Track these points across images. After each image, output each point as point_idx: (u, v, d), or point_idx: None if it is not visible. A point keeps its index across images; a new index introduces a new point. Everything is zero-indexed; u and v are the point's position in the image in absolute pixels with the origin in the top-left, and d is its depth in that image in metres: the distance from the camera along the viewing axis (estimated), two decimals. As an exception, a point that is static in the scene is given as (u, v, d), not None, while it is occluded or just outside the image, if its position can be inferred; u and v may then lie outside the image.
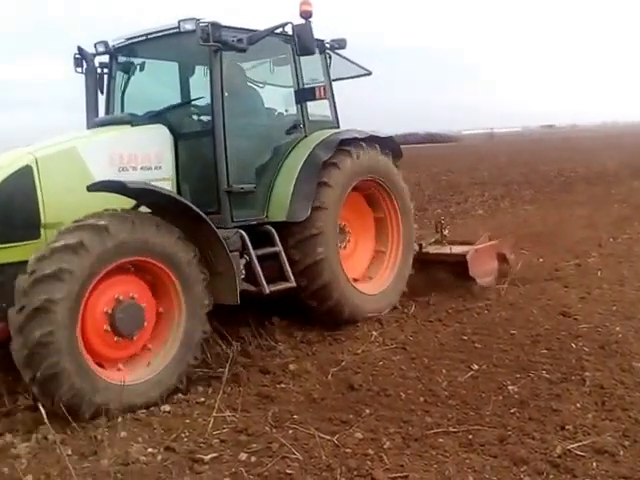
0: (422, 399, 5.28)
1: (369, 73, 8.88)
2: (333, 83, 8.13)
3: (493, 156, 41.13)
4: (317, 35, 7.24)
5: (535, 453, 4.33)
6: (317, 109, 7.86)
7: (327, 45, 8.08)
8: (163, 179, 6.49)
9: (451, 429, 4.73)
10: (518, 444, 4.46)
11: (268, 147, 7.31)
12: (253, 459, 4.37)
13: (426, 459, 4.31)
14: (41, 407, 4.53)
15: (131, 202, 5.90)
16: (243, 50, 6.54)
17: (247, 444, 4.58)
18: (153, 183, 6.09)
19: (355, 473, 4.16)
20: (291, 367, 6.13)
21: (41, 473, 4.28)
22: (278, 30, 6.97)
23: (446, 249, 9.12)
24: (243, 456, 4.40)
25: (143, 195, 5.82)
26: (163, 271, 5.55)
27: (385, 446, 4.48)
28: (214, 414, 5.00)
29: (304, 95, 7.56)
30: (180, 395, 5.54)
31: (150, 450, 4.53)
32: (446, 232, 9.62)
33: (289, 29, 7.01)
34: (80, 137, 6.36)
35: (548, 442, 4.46)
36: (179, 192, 6.59)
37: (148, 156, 6.46)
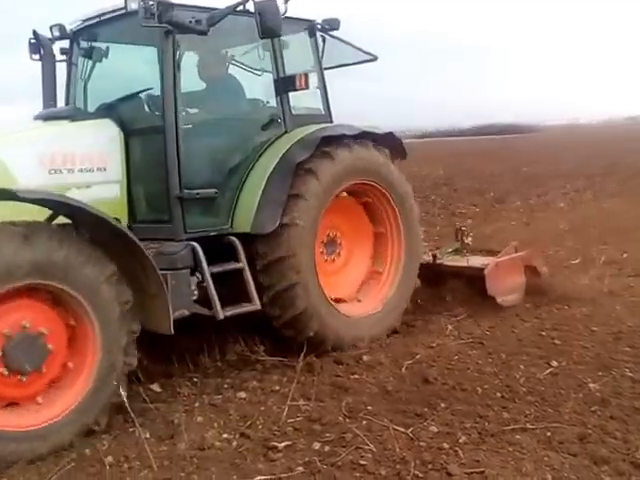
0: (499, 394, 5.18)
1: (375, 58, 7.88)
2: (326, 71, 7.11)
3: (576, 147, 39.97)
4: (307, 15, 6.71)
5: (617, 453, 4.20)
6: (307, 101, 6.95)
7: (318, 27, 7.08)
8: (108, 182, 5.69)
9: (529, 426, 4.62)
10: (599, 443, 4.33)
11: (238, 145, 6.35)
12: (327, 449, 4.38)
13: (503, 455, 4.22)
14: (122, 392, 4.63)
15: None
16: (203, 32, 5.60)
17: (321, 433, 4.60)
18: (95, 187, 5.53)
19: (430, 467, 4.11)
20: (365, 358, 6.12)
21: (121, 455, 4.39)
22: (241, 8, 5.84)
23: (463, 261, 8.01)
24: (317, 445, 4.42)
25: (43, 203, 4.86)
26: (67, 294, 4.56)
27: (460, 441, 4.42)
28: (288, 402, 5.02)
29: (284, 85, 6.51)
30: (255, 383, 5.60)
31: (225, 436, 4.60)
32: (469, 240, 8.51)
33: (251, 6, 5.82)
34: (4, 135, 5.49)
35: (630, 442, 4.32)
36: (129, 197, 5.84)
37: (89, 156, 5.58)
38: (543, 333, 6.66)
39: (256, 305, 5.82)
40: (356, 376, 5.70)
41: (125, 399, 4.57)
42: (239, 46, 6.91)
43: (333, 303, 6.46)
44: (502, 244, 8.57)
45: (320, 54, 7.07)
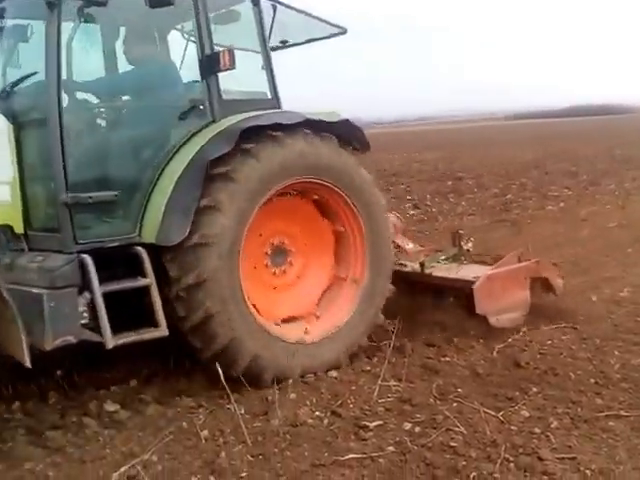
0: (592, 380, 5.09)
1: (344, 31, 7.10)
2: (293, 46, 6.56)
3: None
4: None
5: None
6: (252, 83, 5.99)
7: None
8: None
9: (623, 413, 4.54)
10: (696, 432, 4.21)
11: (151, 139, 5.40)
12: (417, 429, 4.42)
13: (595, 442, 4.17)
14: (218, 368, 4.79)
15: None
16: (101, 4, 4.85)
17: (411, 414, 4.64)
18: None
19: (520, 451, 4.09)
20: (455, 341, 6.11)
21: (216, 429, 4.55)
22: None
23: (454, 271, 6.80)
24: (407, 426, 4.47)
25: None
26: None
27: (552, 426, 4.38)
28: (379, 383, 5.08)
29: (208, 65, 5.43)
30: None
31: (317, 414, 4.70)
32: (469, 246, 7.35)
33: None
34: None
35: None
36: (24, 201, 5.00)
37: None
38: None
39: (162, 331, 4.82)
40: (447, 358, 5.72)
41: (222, 376, 4.71)
42: (167, 23, 6.07)
43: (273, 329, 5.42)
44: (596, 227, 8.28)
45: (263, 27, 5.98)
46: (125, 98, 5.83)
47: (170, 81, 5.75)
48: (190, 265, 4.91)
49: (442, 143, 43.65)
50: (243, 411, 4.73)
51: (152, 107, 5.60)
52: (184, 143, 5.28)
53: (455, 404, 4.76)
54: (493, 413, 4.59)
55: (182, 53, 6.01)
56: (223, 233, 5.01)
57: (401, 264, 6.91)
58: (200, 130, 5.34)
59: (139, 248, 4.91)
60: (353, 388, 5.09)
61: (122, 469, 4.04)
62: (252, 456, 4.18)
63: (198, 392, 5.11)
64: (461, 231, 7.64)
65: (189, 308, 4.96)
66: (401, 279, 6.44)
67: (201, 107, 5.44)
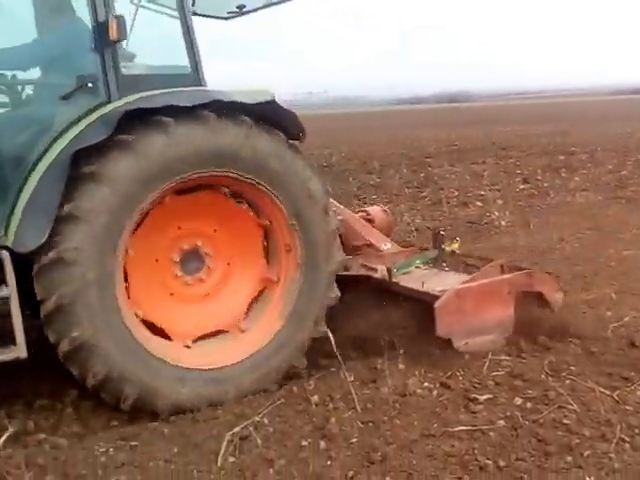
0: None
1: None
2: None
3: None
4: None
5: None
6: (168, 56, 5.23)
7: None
8: None
9: None
10: None
11: (29, 123, 4.68)
12: (529, 405, 4.36)
13: None
14: (331, 336, 4.87)
15: None
16: None
17: (522, 390, 4.57)
18: None
19: (636, 431, 4.00)
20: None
21: (326, 395, 4.64)
22: None
23: (424, 280, 5.71)
24: (518, 401, 4.41)
25: None
26: None
27: (671, 407, 4.24)
28: (489, 357, 5.04)
29: (99, 35, 4.63)
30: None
31: (426, 384, 4.70)
32: (454, 247, 6.42)
33: None
34: None
35: None
36: None
37: None
38: None
39: (19, 352, 4.17)
40: (558, 336, 5.59)
41: (334, 345, 4.79)
42: None
43: (174, 353, 4.70)
44: None
45: None
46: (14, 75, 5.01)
47: (58, 53, 4.95)
48: (51, 285, 4.18)
49: (552, 117, 42.33)
50: (352, 378, 4.79)
51: (36, 85, 4.96)
52: (66, 129, 4.49)
53: (568, 381, 4.66)
54: (608, 392, 4.47)
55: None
56: (88, 248, 4.21)
57: (370, 268, 6.01)
58: (88, 113, 4.55)
59: (3, 252, 4.22)
60: (462, 361, 5.06)
61: (235, 429, 4.18)
62: (362, 423, 4.23)
63: (308, 358, 5.17)
64: (442, 231, 6.60)
65: (56, 335, 4.27)
66: (370, 286, 5.82)
67: (89, 85, 4.67)
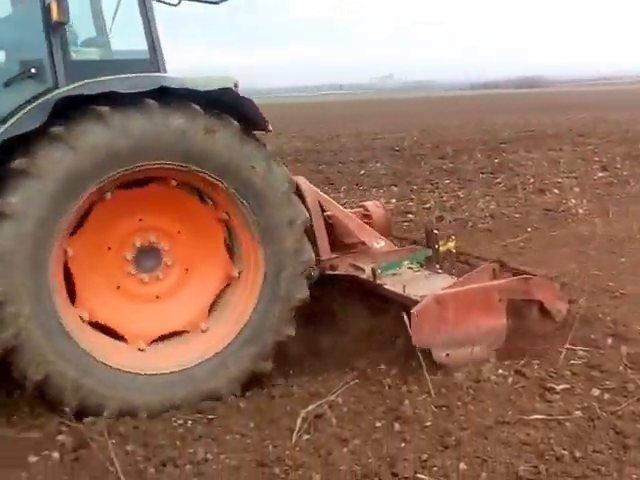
0: None
1: None
2: None
3: None
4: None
5: None
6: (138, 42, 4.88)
7: None
8: None
9: None
10: None
11: None
12: (606, 396, 4.29)
13: None
14: (407, 320, 4.77)
15: None
16: None
17: (600, 381, 4.50)
18: None
19: None
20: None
21: (399, 378, 4.69)
22: None
23: (409, 283, 5.27)
24: (595, 392, 4.34)
25: None
26: None
27: None
28: (566, 346, 4.96)
29: (45, 17, 4.40)
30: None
31: (501, 372, 4.67)
32: (450, 246, 5.99)
33: None
34: None
35: None
36: None
37: None
38: None
39: None
40: (638, 327, 5.46)
41: (409, 326, 4.79)
42: None
43: (121, 357, 4.46)
44: None
45: None
46: None
47: (5, 37, 4.87)
48: None
49: (629, 104, 40.98)
50: (426, 362, 4.79)
51: None
52: (9, 117, 4.28)
53: (648, 374, 4.57)
54: (689, 386, 4.37)
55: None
56: (15, 247, 3.99)
57: (359, 268, 5.67)
58: (32, 100, 4.35)
59: None
60: (539, 350, 5.00)
61: (310, 407, 4.24)
62: (436, 407, 4.24)
63: (384, 339, 5.17)
64: (436, 231, 6.05)
65: None
66: (356, 287, 5.57)
67: (32, 70, 4.44)
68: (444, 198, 12.10)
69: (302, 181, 5.77)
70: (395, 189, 13.32)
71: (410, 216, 10.62)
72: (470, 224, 10.13)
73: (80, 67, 4.52)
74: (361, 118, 37.22)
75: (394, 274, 5.58)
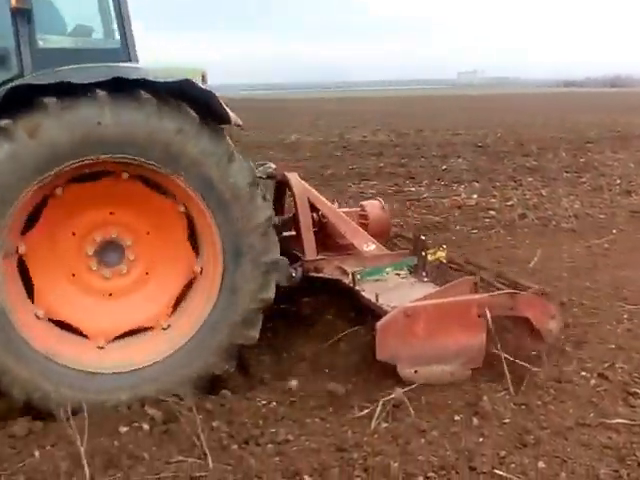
0: None
1: None
2: None
3: None
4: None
5: None
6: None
7: None
8: None
9: None
10: None
11: None
12: (692, 404, 4.21)
13: None
14: (488, 314, 4.70)
15: None
16: None
17: (686, 387, 4.41)
18: None
19: None
20: None
21: (478, 373, 4.66)
22: None
23: (389, 291, 5.06)
24: (681, 399, 4.27)
25: None
26: None
27: None
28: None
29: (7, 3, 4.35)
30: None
31: (584, 374, 4.64)
32: (439, 255, 5.58)
33: None
34: None
35: None
36: None
37: None
38: None
39: None
40: None
41: (490, 322, 4.76)
42: None
43: (73, 359, 4.33)
44: None
45: None
46: None
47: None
48: None
49: None
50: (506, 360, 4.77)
51: None
52: None
53: None
54: None
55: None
56: None
57: (344, 270, 5.40)
58: None
59: None
60: (622, 353, 4.93)
61: (389, 397, 4.28)
62: (515, 404, 4.25)
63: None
64: (423, 237, 5.69)
65: None
66: (339, 291, 5.40)
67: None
68: (527, 196, 11.91)
69: (293, 178, 5.66)
70: (477, 185, 13.17)
71: (492, 212, 10.52)
72: (553, 223, 9.96)
73: (49, 55, 4.48)
74: (444, 113, 36.87)
75: (378, 280, 5.30)
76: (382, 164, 16.08)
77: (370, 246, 5.60)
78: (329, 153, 18.38)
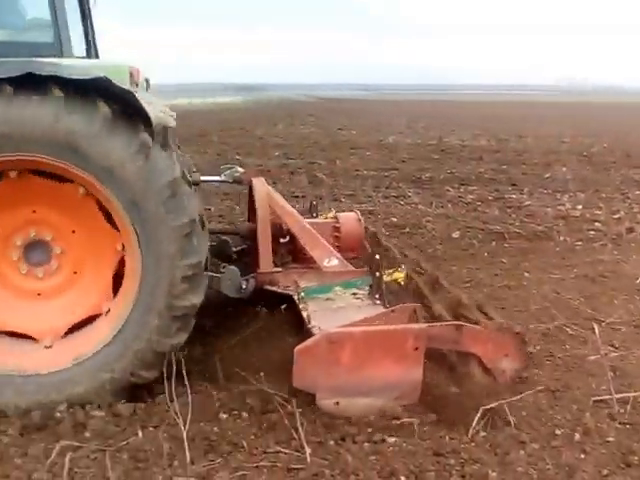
0: None
1: None
2: None
3: None
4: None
5: None
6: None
7: None
8: None
9: None
10: None
11: None
12: None
13: None
14: None
15: None
16: None
17: None
18: None
19: None
20: None
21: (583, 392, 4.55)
22: None
23: (330, 312, 4.77)
24: None
25: None
26: None
27: None
28: None
29: None
30: None
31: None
32: (396, 277, 5.25)
33: None
34: None
35: None
36: None
37: None
38: None
39: None
40: None
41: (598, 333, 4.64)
42: None
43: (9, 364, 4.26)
44: None
45: None
46: None
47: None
48: None
49: None
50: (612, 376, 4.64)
51: None
52: None
53: None
54: None
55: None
56: None
57: (297, 285, 5.16)
58: None
59: None
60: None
61: (488, 406, 4.20)
62: (620, 423, 4.14)
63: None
64: (377, 256, 5.06)
65: None
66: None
67: None
68: (635, 209, 11.48)
69: (258, 183, 5.38)
70: (582, 195, 12.78)
71: (597, 225, 10.17)
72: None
73: None
74: (546, 120, 36.00)
75: (328, 299, 4.97)
76: (482, 169, 15.84)
77: (332, 261, 5.24)
78: (427, 156, 18.26)
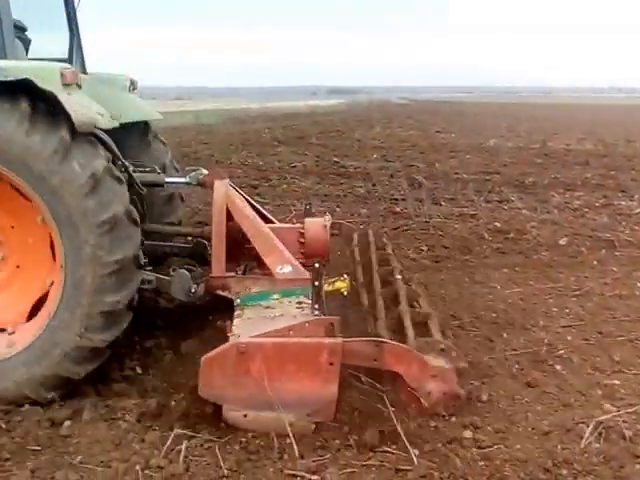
0: None
1: None
2: None
3: None
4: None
5: None
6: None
7: None
8: None
9: None
10: None
11: None
12: None
13: None
14: None
15: None
16: None
17: None
18: None
19: None
20: None
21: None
22: None
23: (261, 319, 4.60)
24: None
25: None
26: None
27: None
28: None
29: None
30: None
31: None
32: (338, 287, 4.97)
33: None
34: None
35: None
36: None
37: None
38: None
39: None
40: None
41: None
42: None
43: None
44: None
45: None
46: None
47: None
48: None
49: None
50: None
51: None
52: None
53: None
54: None
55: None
56: None
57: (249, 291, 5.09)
58: None
59: None
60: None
61: (603, 417, 4.11)
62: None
63: None
64: (317, 264, 4.59)
65: None
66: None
67: None
68: None
69: (219, 185, 5.21)
70: (695, 205, 12.20)
71: None
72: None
73: None
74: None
75: (268, 307, 4.83)
76: (588, 174, 15.32)
77: (285, 268, 5.08)
78: (529, 160, 17.81)
